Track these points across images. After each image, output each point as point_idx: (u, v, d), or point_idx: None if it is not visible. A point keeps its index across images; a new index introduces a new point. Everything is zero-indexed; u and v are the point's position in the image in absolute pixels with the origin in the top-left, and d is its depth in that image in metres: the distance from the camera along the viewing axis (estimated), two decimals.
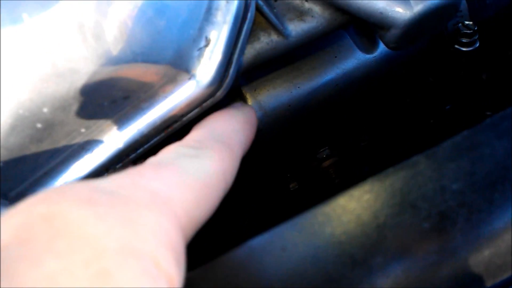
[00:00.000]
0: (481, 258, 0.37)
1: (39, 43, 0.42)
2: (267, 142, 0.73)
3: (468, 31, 0.79)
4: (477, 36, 0.80)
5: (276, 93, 0.73)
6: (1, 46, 0.40)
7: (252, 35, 0.58)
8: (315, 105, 0.75)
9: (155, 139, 0.53)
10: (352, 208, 0.38)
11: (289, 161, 0.83)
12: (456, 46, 0.81)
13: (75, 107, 0.46)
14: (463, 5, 0.81)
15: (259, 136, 0.74)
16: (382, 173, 0.38)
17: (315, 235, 0.38)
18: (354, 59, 0.77)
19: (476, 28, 0.79)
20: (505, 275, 0.37)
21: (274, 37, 0.59)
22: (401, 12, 0.55)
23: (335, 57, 0.76)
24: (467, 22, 0.79)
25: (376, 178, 0.38)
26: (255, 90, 0.72)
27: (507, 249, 0.37)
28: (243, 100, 0.71)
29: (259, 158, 0.77)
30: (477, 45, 0.81)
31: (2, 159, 0.47)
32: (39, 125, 0.45)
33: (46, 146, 0.48)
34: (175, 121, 0.51)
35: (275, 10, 0.59)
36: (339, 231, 0.37)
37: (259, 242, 0.38)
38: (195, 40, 0.48)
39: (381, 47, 0.75)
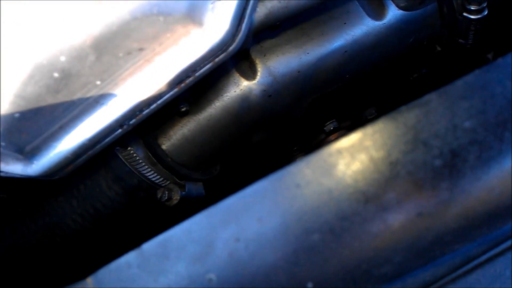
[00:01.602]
0: (492, 196, 0.38)
1: None
2: (276, 109, 0.74)
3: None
4: (485, 4, 0.80)
5: (285, 59, 0.73)
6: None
7: None
8: (324, 72, 0.76)
9: (169, 94, 0.54)
10: (365, 146, 0.38)
11: (296, 132, 0.84)
12: (465, 14, 0.81)
13: (91, 57, 0.46)
14: None
15: (269, 102, 0.75)
16: (395, 111, 0.39)
17: (328, 173, 0.38)
18: (364, 26, 0.78)
19: None
20: None
21: None
22: None
23: (344, 23, 0.77)
24: None
25: (389, 116, 0.39)
26: (264, 56, 0.73)
27: None
28: (253, 65, 0.72)
29: (268, 126, 0.77)
30: (485, 13, 0.81)
31: (19, 109, 0.48)
32: (56, 75, 0.46)
33: (62, 97, 0.49)
34: (188, 76, 0.52)
35: None
36: (352, 168, 0.38)
37: (274, 178, 0.39)
38: None
39: (391, 14, 0.76)
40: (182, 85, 0.54)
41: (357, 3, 0.77)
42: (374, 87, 0.81)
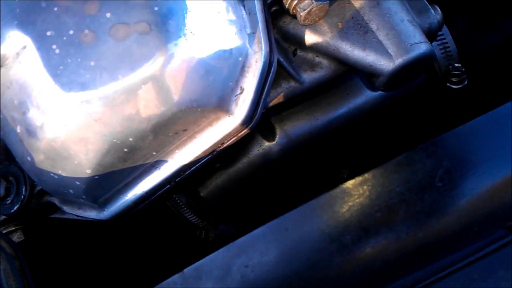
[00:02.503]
0: (418, 237, 0.56)
1: (129, 93, 0.63)
2: (290, 164, 0.92)
3: (457, 72, 0.96)
4: (465, 76, 0.97)
5: (299, 124, 0.91)
6: (106, 98, 0.62)
7: (275, 82, 0.79)
8: (331, 133, 0.94)
9: (204, 160, 0.73)
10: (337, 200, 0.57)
11: (312, 182, 1.02)
12: (448, 85, 0.99)
13: (150, 137, 0.67)
14: (453, 49, 0.98)
15: (285, 158, 0.93)
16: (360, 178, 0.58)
17: (309, 220, 0.57)
18: (363, 96, 0.94)
19: (463, 70, 0.97)
20: None
21: (292, 83, 0.79)
22: (386, 64, 0.74)
23: (347, 94, 0.94)
24: (456, 64, 0.97)
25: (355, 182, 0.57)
26: (282, 122, 0.91)
27: None
28: (272, 129, 0.91)
29: (286, 180, 0.96)
30: (466, 83, 0.99)
31: (98, 173, 0.68)
32: (125, 149, 0.67)
33: (128, 164, 0.69)
34: (218, 147, 0.72)
35: (293, 64, 0.79)
36: (326, 216, 0.57)
37: (270, 224, 0.58)
38: (233, 90, 0.69)
39: None
40: (214, 153, 0.74)
41: (358, 78, 0.95)
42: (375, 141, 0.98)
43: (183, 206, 0.94)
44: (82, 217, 0.77)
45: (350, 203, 0.56)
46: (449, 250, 0.58)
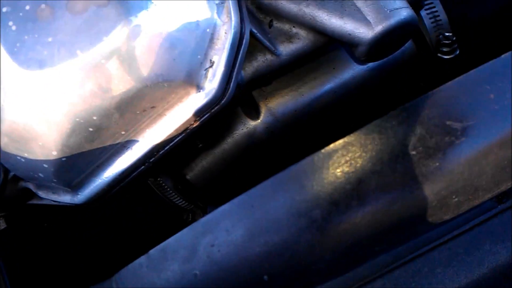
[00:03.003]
0: (393, 209, 0.53)
1: (89, 69, 0.61)
2: (277, 143, 0.89)
3: (447, 41, 0.92)
4: (456, 45, 0.93)
5: (284, 101, 0.88)
6: (65, 75, 0.59)
7: (250, 55, 0.75)
8: (317, 109, 0.91)
9: (177, 139, 0.70)
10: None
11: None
12: (439, 55, 0.95)
13: (116, 115, 0.64)
14: (444, 17, 0.94)
15: (271, 138, 0.90)
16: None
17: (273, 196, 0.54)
18: (350, 70, 0.92)
19: (454, 39, 0.93)
20: None
21: (269, 56, 0.76)
22: (365, 33, 0.71)
23: (333, 68, 0.91)
24: (447, 34, 0.93)
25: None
26: (266, 99, 0.88)
27: None
28: (256, 107, 0.88)
29: (272, 158, 0.93)
30: (457, 52, 0.95)
31: (65, 155, 0.66)
32: (90, 129, 0.64)
33: (97, 144, 0.66)
34: (191, 124, 0.69)
35: (269, 36, 0.76)
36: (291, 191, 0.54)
37: (236, 201, 0.55)
38: (202, 63, 0.66)
39: None
40: (187, 130, 0.71)
41: (344, 50, 0.91)
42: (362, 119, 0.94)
43: (168, 189, 0.92)
44: (58, 202, 0.75)
45: (317, 176, 0.53)
46: (428, 224, 0.54)
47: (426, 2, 0.93)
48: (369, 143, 0.53)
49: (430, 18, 0.93)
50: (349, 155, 0.53)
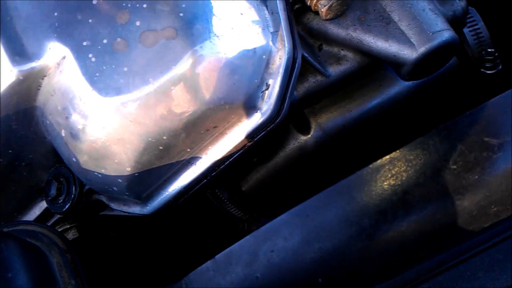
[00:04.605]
0: (435, 219, 0.58)
1: (159, 95, 0.68)
2: (327, 156, 0.94)
3: (490, 57, 0.96)
4: (499, 61, 0.97)
5: (332, 117, 0.93)
6: (139, 101, 0.67)
7: (302, 77, 0.82)
8: (364, 124, 0.96)
9: (236, 154, 0.77)
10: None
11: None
12: (482, 70, 0.99)
13: (183, 135, 0.71)
14: (486, 34, 0.98)
15: (321, 151, 0.96)
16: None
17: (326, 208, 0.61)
18: (396, 86, 0.95)
19: (497, 54, 0.96)
20: None
21: (319, 77, 0.82)
22: (409, 54, 0.76)
23: (380, 85, 0.95)
24: (489, 50, 0.97)
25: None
26: (316, 115, 0.93)
27: None
28: (307, 123, 0.93)
29: (321, 171, 0.98)
30: (500, 67, 0.98)
31: (137, 171, 0.74)
32: (160, 147, 0.71)
33: (165, 161, 0.74)
34: (249, 141, 0.76)
35: (319, 58, 0.82)
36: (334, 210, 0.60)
37: (292, 211, 0.62)
38: (259, 86, 0.73)
39: None
40: (246, 147, 0.78)
41: (389, 68, 0.96)
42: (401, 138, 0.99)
43: (225, 200, 0.98)
44: (128, 212, 0.83)
45: (366, 189, 0.59)
46: (469, 231, 0.59)
47: (468, 20, 0.97)
48: (413, 159, 0.59)
49: (473, 35, 0.97)
50: (395, 169, 0.59)
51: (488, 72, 0.98)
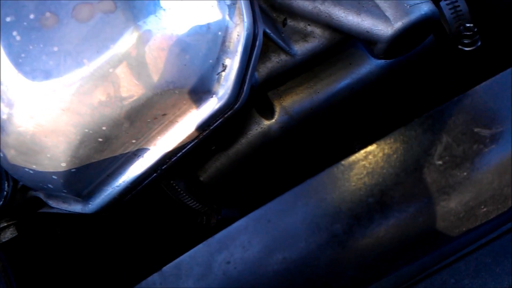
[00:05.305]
0: (416, 223, 0.50)
1: (96, 78, 0.58)
2: (292, 142, 0.86)
3: (469, 32, 0.89)
4: (478, 36, 0.90)
5: (299, 99, 0.86)
6: (72, 86, 0.57)
7: (264, 56, 0.73)
8: (334, 107, 0.88)
9: (190, 145, 0.68)
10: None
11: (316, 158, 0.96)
12: (460, 47, 0.91)
13: (126, 124, 0.61)
14: (464, 8, 0.91)
15: (286, 137, 0.88)
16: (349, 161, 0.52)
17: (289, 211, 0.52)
18: (367, 64, 0.88)
19: (476, 30, 0.89)
20: None
21: (283, 56, 0.73)
22: (384, 30, 0.67)
23: (350, 64, 0.88)
24: (468, 25, 0.90)
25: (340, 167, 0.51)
26: (280, 97, 0.85)
27: None
28: (271, 106, 0.85)
29: (285, 158, 0.90)
30: (479, 44, 0.91)
31: (74, 166, 0.64)
32: (100, 139, 0.62)
33: (106, 154, 0.64)
34: (204, 130, 0.66)
35: (283, 35, 0.73)
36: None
37: (252, 216, 0.53)
38: (214, 67, 0.63)
39: None
40: (200, 136, 0.68)
41: (360, 45, 0.88)
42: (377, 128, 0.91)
43: (181, 192, 0.89)
44: (68, 211, 0.73)
45: (338, 189, 0.50)
46: (454, 235, 0.52)
47: None
48: (393, 153, 0.50)
49: (450, 9, 0.90)
50: (371, 166, 0.50)
51: (466, 49, 0.90)
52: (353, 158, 0.51)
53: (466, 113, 0.51)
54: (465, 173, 0.50)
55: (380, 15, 0.68)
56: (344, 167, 0.51)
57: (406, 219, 0.51)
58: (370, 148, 0.51)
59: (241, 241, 0.52)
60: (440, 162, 0.50)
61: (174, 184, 0.89)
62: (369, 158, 0.51)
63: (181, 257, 0.55)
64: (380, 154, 0.51)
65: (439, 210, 0.51)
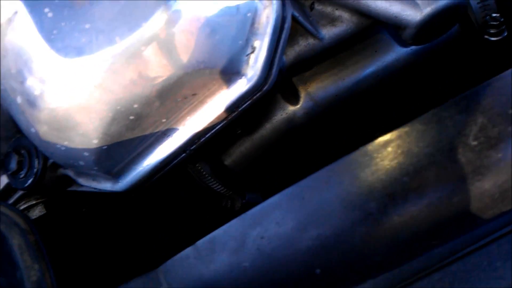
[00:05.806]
0: (452, 202, 0.50)
1: (128, 56, 0.58)
2: (317, 129, 0.86)
3: (495, 23, 0.88)
4: (504, 27, 0.89)
5: (324, 86, 0.85)
6: (104, 63, 0.57)
7: (292, 40, 0.73)
8: (359, 94, 0.88)
9: (218, 126, 0.68)
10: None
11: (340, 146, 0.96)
12: (486, 37, 0.90)
13: (157, 103, 0.62)
14: None
15: (311, 123, 0.88)
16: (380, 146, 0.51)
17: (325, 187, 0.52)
18: (393, 52, 0.88)
19: (502, 20, 0.88)
20: None
21: (311, 40, 0.73)
22: (412, 15, 0.67)
23: (375, 51, 0.87)
24: (494, 14, 0.89)
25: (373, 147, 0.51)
26: (305, 84, 0.85)
27: None
28: (296, 92, 0.85)
29: (313, 144, 0.90)
30: (505, 34, 0.90)
31: (106, 143, 0.64)
32: (131, 117, 0.62)
33: (137, 133, 0.65)
34: (233, 111, 0.67)
35: (310, 19, 0.73)
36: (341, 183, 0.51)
37: (285, 192, 0.53)
38: (243, 49, 0.64)
39: None
40: (229, 118, 0.68)
41: (386, 32, 0.88)
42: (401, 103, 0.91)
43: (207, 175, 0.90)
44: (98, 189, 0.73)
45: (372, 167, 0.50)
46: (488, 216, 0.51)
47: None
48: (427, 133, 0.50)
49: None
50: (405, 145, 0.50)
51: (492, 39, 0.89)
52: (387, 137, 0.51)
53: (501, 95, 0.50)
54: (500, 155, 0.49)
55: (409, 0, 0.67)
56: (379, 146, 0.51)
57: (441, 199, 0.51)
58: (404, 128, 0.51)
59: (275, 217, 0.52)
60: (475, 143, 0.50)
61: (199, 168, 0.89)
62: (403, 138, 0.51)
63: (215, 232, 0.55)
64: (414, 134, 0.51)
65: (473, 191, 0.51)
